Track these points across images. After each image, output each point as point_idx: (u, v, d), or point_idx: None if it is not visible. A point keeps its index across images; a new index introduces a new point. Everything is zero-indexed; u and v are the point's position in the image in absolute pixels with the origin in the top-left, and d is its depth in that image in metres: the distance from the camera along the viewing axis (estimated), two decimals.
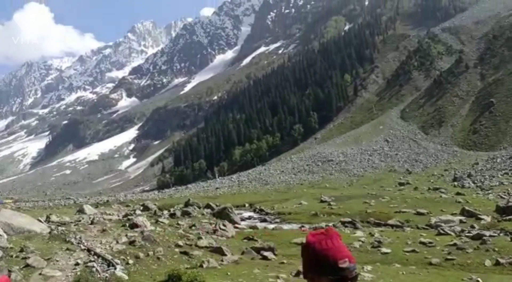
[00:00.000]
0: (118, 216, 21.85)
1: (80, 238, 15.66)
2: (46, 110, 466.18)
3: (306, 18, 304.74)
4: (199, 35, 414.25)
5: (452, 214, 26.13)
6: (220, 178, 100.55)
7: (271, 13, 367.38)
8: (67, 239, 15.31)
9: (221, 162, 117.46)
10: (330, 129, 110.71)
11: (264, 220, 30.46)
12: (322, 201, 36.20)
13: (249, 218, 31.73)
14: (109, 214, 22.99)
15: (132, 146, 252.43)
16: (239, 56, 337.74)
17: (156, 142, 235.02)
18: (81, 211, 25.68)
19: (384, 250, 17.04)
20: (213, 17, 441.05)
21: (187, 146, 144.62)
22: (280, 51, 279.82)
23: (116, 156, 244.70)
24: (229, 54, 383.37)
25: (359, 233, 21.63)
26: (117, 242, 15.34)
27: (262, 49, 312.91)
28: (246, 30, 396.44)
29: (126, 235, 16.42)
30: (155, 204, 31.04)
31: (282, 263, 14.79)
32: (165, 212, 26.19)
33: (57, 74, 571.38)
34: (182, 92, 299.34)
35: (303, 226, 25.31)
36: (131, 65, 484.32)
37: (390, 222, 25.74)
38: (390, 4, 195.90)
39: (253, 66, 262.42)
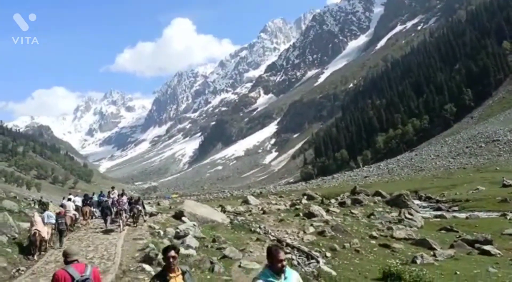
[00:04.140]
0: (285, 206, 22.16)
1: (265, 227, 15.71)
2: (196, 114, 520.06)
3: None
4: (329, 24, 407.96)
5: None
6: (366, 166, 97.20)
7: None
8: (252, 229, 15.47)
9: (364, 151, 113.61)
10: (490, 106, 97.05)
11: (439, 208, 27.32)
12: (505, 185, 31.13)
13: (419, 206, 28.81)
14: (276, 204, 23.44)
15: (273, 140, 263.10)
16: (373, 40, 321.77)
17: (295, 135, 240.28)
18: (245, 201, 26.61)
19: None
20: (342, 3, 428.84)
21: (326, 136, 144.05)
22: (419, 28, 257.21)
23: (260, 151, 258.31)
24: (362, 39, 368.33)
25: None
26: (305, 233, 14.92)
27: (398, 28, 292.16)
28: (379, 11, 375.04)
29: (312, 225, 16.00)
30: (316, 193, 30.65)
31: None
32: (333, 200, 25.41)
33: (203, 80, 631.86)
34: (316, 84, 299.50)
35: (505, 214, 21.59)
36: (265, 64, 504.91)
37: None
38: None
39: (390, 48, 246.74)
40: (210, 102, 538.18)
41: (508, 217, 20.83)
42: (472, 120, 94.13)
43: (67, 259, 5.21)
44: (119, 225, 16.17)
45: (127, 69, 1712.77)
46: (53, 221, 14.16)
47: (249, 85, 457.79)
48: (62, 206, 18.29)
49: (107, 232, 15.77)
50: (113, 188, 21.75)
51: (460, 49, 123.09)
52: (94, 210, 20.69)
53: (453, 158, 68.56)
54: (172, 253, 4.62)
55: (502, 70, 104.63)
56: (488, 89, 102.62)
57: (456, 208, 27.04)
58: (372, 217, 19.80)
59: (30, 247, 12.28)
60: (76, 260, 5.23)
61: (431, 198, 33.19)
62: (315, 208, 18.95)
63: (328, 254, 12.65)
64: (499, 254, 13.23)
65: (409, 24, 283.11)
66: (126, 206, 16.98)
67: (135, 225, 16.88)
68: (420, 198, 33.92)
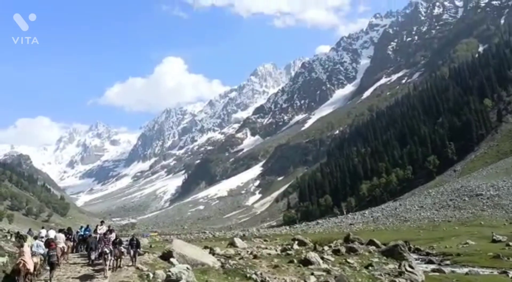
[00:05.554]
0: (276, 250, 21.49)
1: (261, 274, 14.89)
2: (182, 151, 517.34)
3: (431, 44, 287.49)
4: (318, 71, 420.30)
5: None
6: (350, 213, 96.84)
7: (392, 43, 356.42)
8: (247, 275, 14.63)
9: (348, 197, 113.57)
10: (472, 161, 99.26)
11: (430, 261, 27.15)
12: (494, 241, 31.43)
13: None
14: (265, 248, 22.72)
15: (258, 182, 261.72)
16: (359, 90, 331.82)
17: (280, 178, 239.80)
18: (232, 244, 25.36)
19: None
20: (330, 53, 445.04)
21: (311, 181, 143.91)
22: (403, 81, 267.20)
23: (243, 192, 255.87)
24: (349, 88, 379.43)
25: None
26: None
27: (383, 80, 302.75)
28: (365, 63, 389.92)
29: (313, 274, 15.30)
30: (307, 238, 29.98)
31: None
32: (326, 248, 24.50)
33: (191, 118, 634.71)
34: (303, 129, 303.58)
35: (506, 272, 21.08)
36: (254, 106, 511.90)
37: None
38: None
39: (375, 98, 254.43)
40: (196, 141, 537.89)
41: (510, 275, 20.26)
42: (455, 174, 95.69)
43: None
44: (103, 269, 14.42)
45: (115, 103, 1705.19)
46: (42, 251, 13.61)
47: (236, 126, 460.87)
48: (52, 237, 17.48)
49: (89, 275, 14.34)
50: (102, 222, 20.17)
51: (443, 103, 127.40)
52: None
53: (437, 210, 68.97)
54: None
55: (484, 126, 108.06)
56: (471, 144, 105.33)
57: (448, 262, 26.67)
58: (370, 268, 19.08)
59: (14, 277, 11.83)
60: None
61: (420, 250, 32.75)
62: (312, 255, 18.30)
63: None
64: None
65: (394, 77, 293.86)
66: (112, 247, 15.22)
67: (119, 267, 15.59)
68: (409, 249, 33.16)
